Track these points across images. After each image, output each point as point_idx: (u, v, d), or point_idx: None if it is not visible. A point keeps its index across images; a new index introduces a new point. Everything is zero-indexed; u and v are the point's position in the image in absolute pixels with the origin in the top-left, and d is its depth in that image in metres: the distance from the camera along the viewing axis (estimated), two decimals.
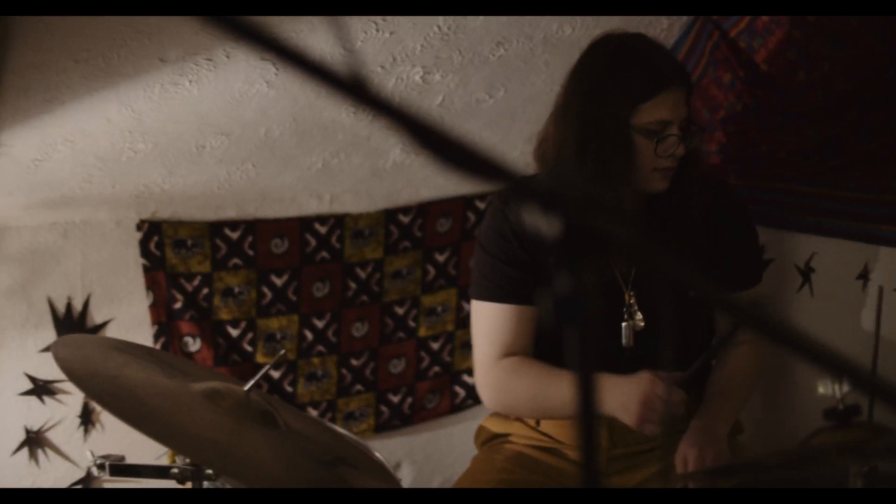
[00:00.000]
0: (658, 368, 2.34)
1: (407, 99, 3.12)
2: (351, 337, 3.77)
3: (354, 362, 3.79)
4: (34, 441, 3.29)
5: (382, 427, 3.92)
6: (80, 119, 2.72)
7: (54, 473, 3.32)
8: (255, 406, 2.09)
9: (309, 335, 3.68)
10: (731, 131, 3.24)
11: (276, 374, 3.64)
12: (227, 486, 2.24)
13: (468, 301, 3.90)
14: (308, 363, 3.70)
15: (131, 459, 2.26)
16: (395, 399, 3.92)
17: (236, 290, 3.50)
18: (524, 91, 3.30)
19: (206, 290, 3.46)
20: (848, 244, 3.09)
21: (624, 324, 2.59)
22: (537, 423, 2.70)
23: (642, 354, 2.53)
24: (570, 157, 2.43)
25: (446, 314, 3.96)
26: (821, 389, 1.84)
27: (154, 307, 3.41)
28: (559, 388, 2.47)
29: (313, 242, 3.61)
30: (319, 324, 3.69)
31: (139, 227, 3.35)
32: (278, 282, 3.58)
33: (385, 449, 3.53)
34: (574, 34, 3.08)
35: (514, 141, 3.56)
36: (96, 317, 3.36)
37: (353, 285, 3.73)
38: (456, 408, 4.07)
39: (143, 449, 2.39)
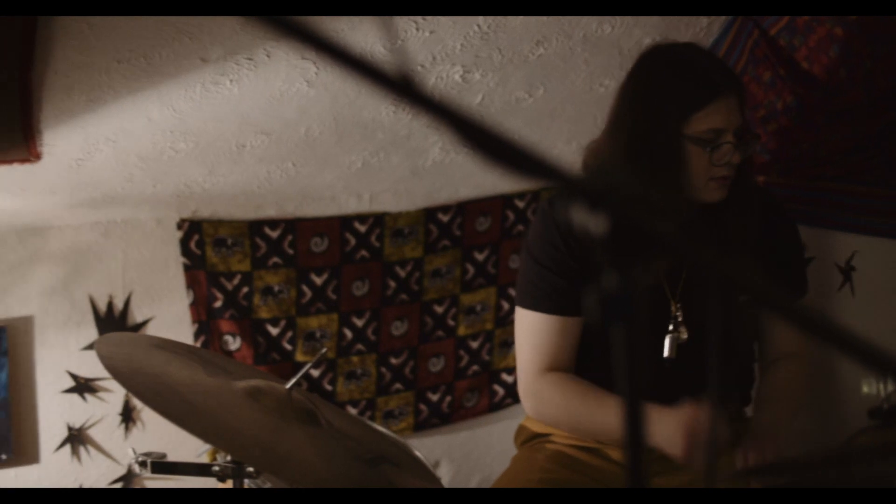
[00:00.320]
0: (699, 381, 2.32)
1: (447, 98, 3.12)
2: (390, 335, 3.77)
3: (394, 361, 3.80)
4: (76, 438, 3.31)
5: (421, 425, 3.92)
6: (122, 118, 2.74)
7: (96, 470, 3.35)
8: (296, 404, 2.09)
9: (348, 334, 3.69)
10: (772, 130, 3.22)
11: (315, 373, 3.65)
12: (269, 485, 2.25)
13: (507, 300, 3.92)
14: (347, 362, 3.71)
15: (172, 457, 2.27)
16: (434, 397, 3.92)
17: (276, 288, 3.52)
18: (563, 90, 3.29)
19: (245, 289, 3.47)
20: (889, 242, 3.06)
21: (668, 336, 2.57)
22: None
23: (683, 366, 2.51)
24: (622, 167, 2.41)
25: (485, 313, 3.95)
26: (865, 389, 1.82)
27: (194, 305, 3.43)
28: (604, 413, 2.45)
29: (353, 241, 3.62)
30: (359, 322, 3.70)
31: (180, 225, 3.37)
32: (318, 280, 3.59)
33: (424, 447, 3.54)
34: (613, 33, 3.07)
35: (554, 140, 3.56)
36: (137, 315, 3.38)
37: (392, 284, 3.73)
38: (494, 406, 4.06)
39: (184, 446, 2.41)
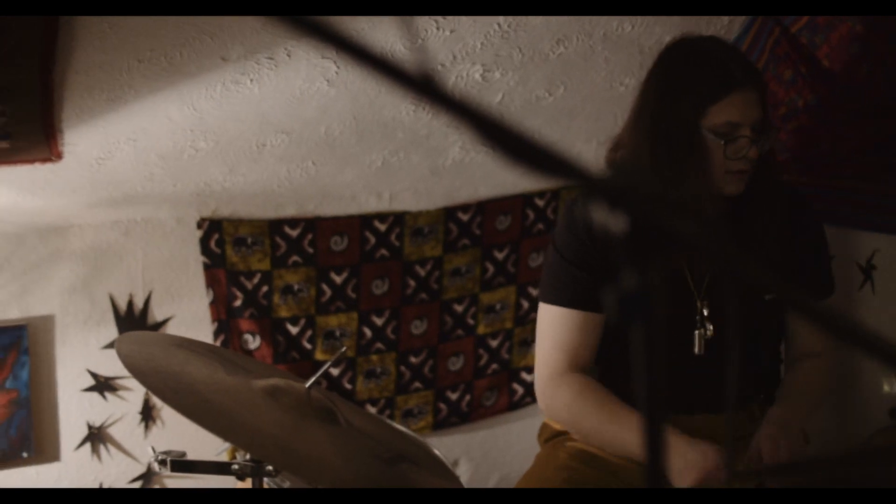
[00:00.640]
0: (725, 375, 2.31)
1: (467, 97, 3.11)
2: (410, 334, 3.78)
3: (413, 360, 3.80)
4: (96, 437, 3.33)
5: (440, 424, 3.92)
6: (142, 118, 2.74)
7: (116, 469, 3.36)
8: (316, 403, 2.09)
9: (368, 332, 3.69)
10: (792, 128, 3.21)
11: (335, 372, 3.66)
12: (288, 484, 2.25)
13: (527, 298, 3.92)
14: (367, 360, 3.71)
15: (191, 456, 2.28)
16: (454, 396, 3.92)
17: (296, 287, 3.52)
18: (584, 89, 3.29)
19: (265, 288, 3.48)
20: None
21: (696, 332, 2.56)
22: None
23: (711, 361, 2.50)
24: (643, 159, 2.40)
25: (505, 312, 3.95)
26: (886, 388, 1.82)
27: (214, 304, 3.44)
28: (616, 427, 2.44)
29: (373, 240, 3.62)
30: (378, 321, 3.70)
31: (200, 224, 3.38)
32: (338, 279, 3.59)
33: (443, 446, 3.54)
34: (633, 31, 3.06)
35: (574, 139, 3.55)
36: (157, 314, 3.39)
37: (412, 283, 3.73)
38: (514, 405, 4.06)
39: (203, 445, 2.41)
